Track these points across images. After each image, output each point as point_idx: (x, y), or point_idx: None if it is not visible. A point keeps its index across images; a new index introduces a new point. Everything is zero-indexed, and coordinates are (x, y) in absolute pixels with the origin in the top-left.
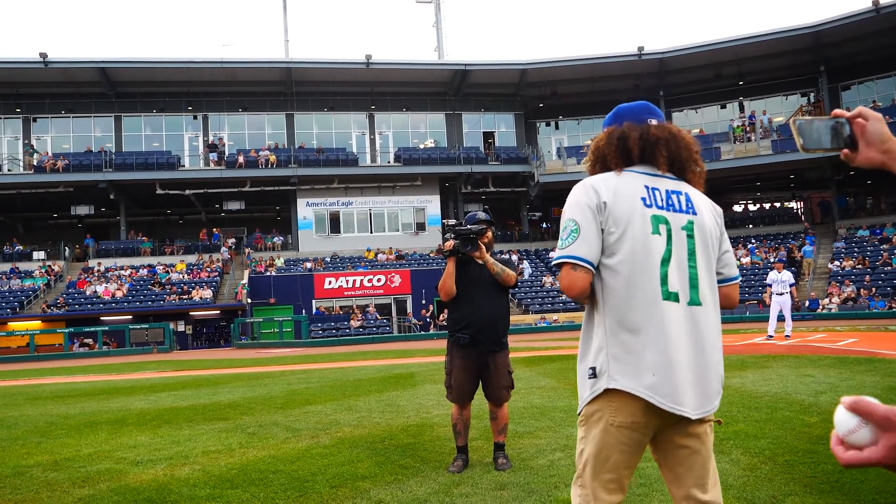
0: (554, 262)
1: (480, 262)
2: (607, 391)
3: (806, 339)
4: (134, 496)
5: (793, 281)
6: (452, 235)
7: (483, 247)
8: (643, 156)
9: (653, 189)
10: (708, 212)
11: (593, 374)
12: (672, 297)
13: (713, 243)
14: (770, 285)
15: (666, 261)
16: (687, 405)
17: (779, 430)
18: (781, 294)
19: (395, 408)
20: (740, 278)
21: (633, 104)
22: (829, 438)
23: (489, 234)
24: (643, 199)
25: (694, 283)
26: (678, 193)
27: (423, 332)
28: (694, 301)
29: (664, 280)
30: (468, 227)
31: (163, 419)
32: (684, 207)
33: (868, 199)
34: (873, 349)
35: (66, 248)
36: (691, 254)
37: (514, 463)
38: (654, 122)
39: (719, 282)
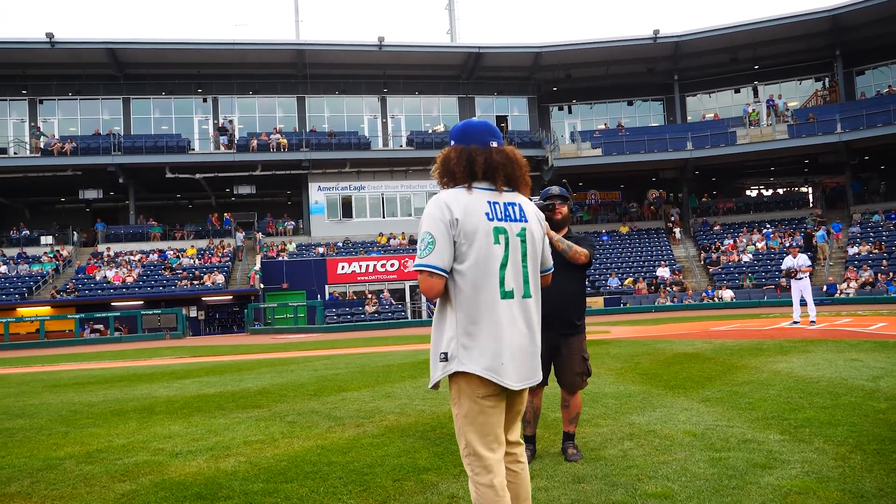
0: (413, 269)
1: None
2: (457, 372)
3: (833, 324)
4: (181, 491)
5: (809, 263)
6: None
7: (546, 224)
8: (485, 175)
9: (494, 203)
10: (535, 219)
11: (445, 359)
12: (508, 294)
13: (538, 245)
14: (787, 268)
15: (504, 265)
16: (512, 380)
17: (852, 417)
18: (801, 279)
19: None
20: (553, 269)
21: (479, 124)
22: None
23: (564, 209)
24: (487, 213)
25: (526, 280)
26: (513, 205)
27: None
28: (526, 294)
29: (502, 282)
30: None
31: (193, 407)
32: (518, 217)
33: (882, 183)
34: None
35: (75, 232)
36: (524, 256)
37: (583, 453)
38: (494, 144)
39: (541, 272)
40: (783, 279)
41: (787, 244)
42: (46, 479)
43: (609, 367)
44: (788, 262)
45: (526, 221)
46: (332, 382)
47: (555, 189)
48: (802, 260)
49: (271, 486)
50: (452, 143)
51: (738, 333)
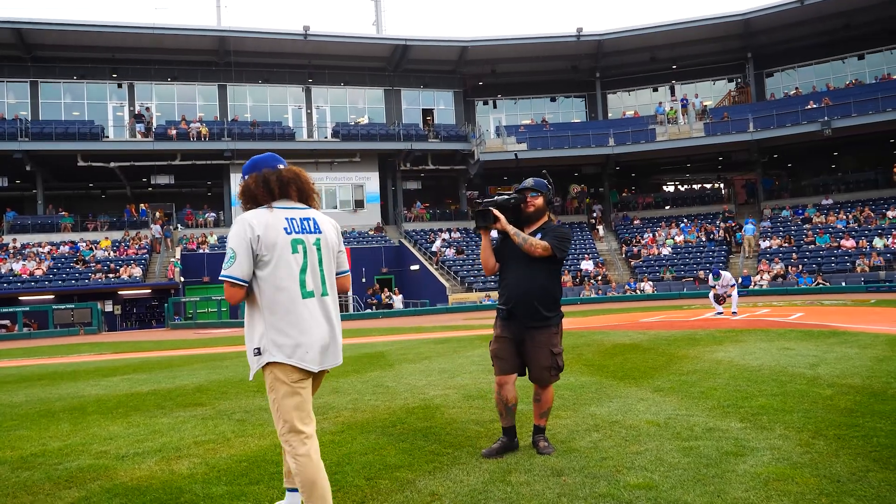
0: (220, 279)
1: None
2: (270, 363)
3: (754, 315)
4: (137, 497)
5: (734, 281)
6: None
7: (501, 217)
8: (281, 192)
9: (291, 219)
10: (330, 229)
11: (258, 353)
12: (309, 294)
13: (334, 251)
14: (714, 286)
15: (303, 270)
16: (315, 365)
17: (803, 404)
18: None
19: (384, 389)
20: (349, 272)
21: (265, 155)
22: (857, 411)
23: (537, 201)
24: (285, 228)
25: (323, 282)
26: (308, 219)
27: (369, 311)
28: (324, 293)
29: (303, 284)
30: (492, 198)
31: (128, 406)
32: (313, 229)
33: (789, 180)
34: (825, 322)
35: None
36: (320, 262)
37: (553, 445)
38: (281, 166)
39: (336, 273)
40: (712, 299)
41: (704, 238)
42: None
43: None
44: (712, 281)
45: (320, 233)
46: None
47: (529, 181)
48: (727, 279)
49: (236, 489)
50: (246, 177)
51: (667, 324)
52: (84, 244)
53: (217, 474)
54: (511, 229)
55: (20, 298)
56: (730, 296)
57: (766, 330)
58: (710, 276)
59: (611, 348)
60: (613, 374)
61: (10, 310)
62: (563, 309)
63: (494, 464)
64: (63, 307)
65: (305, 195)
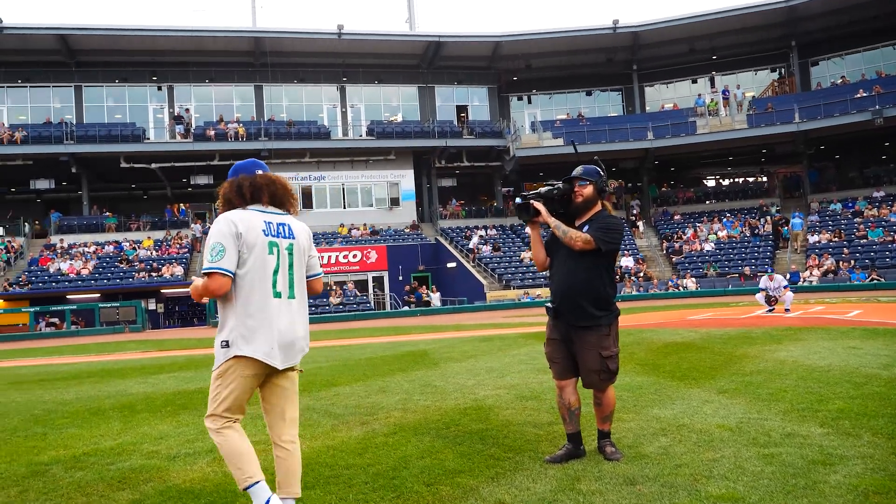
0: (204, 271)
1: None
2: (236, 356)
3: (808, 312)
4: (192, 500)
5: (786, 283)
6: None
7: (542, 210)
8: (253, 197)
9: (268, 222)
10: (302, 235)
11: (226, 345)
12: (278, 295)
13: (304, 256)
14: (764, 289)
15: (276, 272)
16: (277, 361)
17: (886, 408)
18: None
19: (433, 388)
20: (323, 273)
21: (246, 162)
22: None
23: (585, 191)
24: (263, 230)
25: (291, 285)
26: (283, 225)
27: (406, 309)
28: (291, 296)
29: (274, 285)
30: (535, 191)
31: (176, 404)
32: (287, 234)
33: (835, 172)
34: (888, 320)
35: (26, 223)
36: (290, 266)
37: (619, 449)
38: (260, 172)
39: (308, 277)
40: (762, 300)
41: (748, 233)
42: (35, 487)
43: None
44: (765, 282)
45: (293, 238)
46: (318, 377)
47: (578, 169)
48: (779, 282)
49: None
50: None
51: (718, 322)
52: (127, 244)
53: (271, 477)
54: (553, 222)
55: (68, 297)
56: (782, 297)
57: (826, 328)
58: (763, 278)
59: (663, 347)
60: (671, 374)
61: (59, 308)
62: None
63: (560, 470)
64: (108, 305)
65: (279, 200)
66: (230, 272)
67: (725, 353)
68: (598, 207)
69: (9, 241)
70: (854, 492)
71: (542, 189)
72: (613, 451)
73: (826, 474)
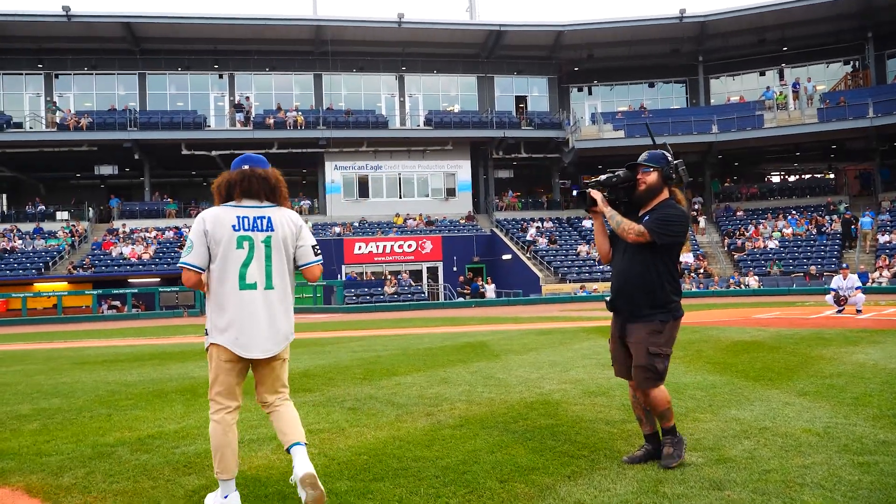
0: (178, 265)
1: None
2: (213, 343)
3: (881, 314)
4: (259, 489)
5: (859, 283)
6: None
7: (598, 198)
8: (228, 194)
9: (242, 217)
10: (285, 226)
11: (206, 333)
12: (250, 286)
13: (287, 248)
14: (835, 290)
15: (245, 264)
16: (255, 351)
17: None
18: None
19: (496, 381)
20: (320, 260)
21: (237, 158)
22: None
23: (649, 177)
24: (234, 225)
25: (269, 276)
26: (262, 218)
27: (461, 300)
28: (268, 287)
29: (242, 277)
30: (596, 179)
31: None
32: (264, 227)
33: None
34: None
35: (90, 208)
36: (267, 257)
37: (702, 452)
38: (246, 167)
39: (301, 266)
40: (831, 301)
41: (815, 231)
42: (101, 469)
43: (672, 354)
44: (837, 281)
45: (272, 231)
46: (377, 365)
47: (643, 156)
48: (852, 282)
49: (360, 486)
50: None
51: (785, 322)
52: (187, 230)
53: (339, 468)
54: (608, 212)
55: (129, 281)
56: (853, 297)
57: None
58: (835, 277)
59: (731, 345)
60: (744, 374)
61: (121, 291)
62: None
63: (640, 471)
64: (168, 290)
65: (256, 193)
66: (196, 266)
67: (800, 353)
68: (664, 196)
69: (73, 226)
70: None
71: (603, 177)
72: (670, 452)
73: None
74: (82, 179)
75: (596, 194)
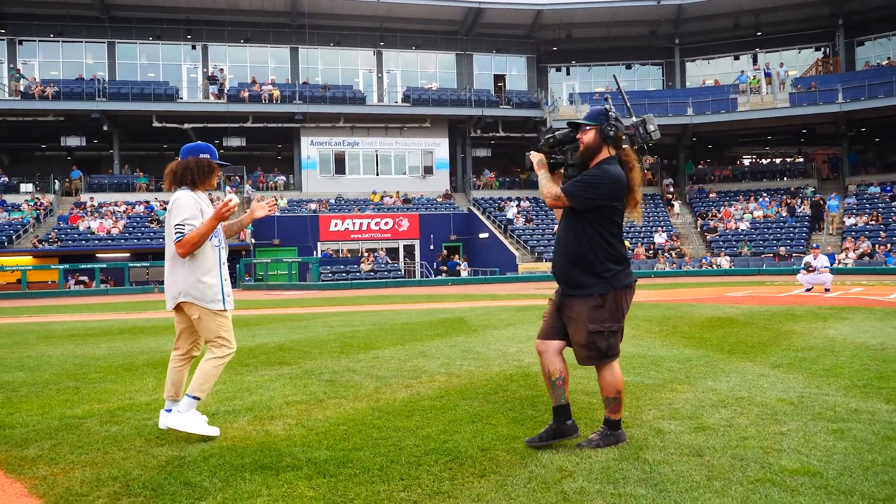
0: (176, 240)
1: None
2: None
3: (848, 293)
4: (235, 458)
5: (828, 264)
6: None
7: (534, 160)
8: (182, 181)
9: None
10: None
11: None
12: (165, 257)
13: (168, 226)
14: (805, 268)
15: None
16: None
17: None
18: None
19: (475, 354)
20: (176, 237)
21: (190, 146)
22: None
23: (586, 137)
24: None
25: (167, 248)
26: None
27: (438, 278)
28: (166, 257)
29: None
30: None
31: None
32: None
33: (875, 155)
34: None
35: (56, 180)
36: (167, 234)
37: (681, 421)
38: (192, 158)
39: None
40: (802, 279)
41: (785, 213)
42: (69, 440)
43: (648, 329)
44: (809, 260)
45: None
46: (355, 339)
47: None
48: (822, 261)
49: (341, 455)
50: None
51: (757, 299)
52: (158, 204)
53: (317, 437)
54: (540, 174)
55: (97, 256)
56: (822, 276)
57: (871, 308)
58: (807, 257)
59: (705, 321)
60: (719, 347)
61: (88, 266)
62: (640, 281)
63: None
64: (138, 265)
65: (188, 182)
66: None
67: (772, 328)
68: (603, 156)
69: (38, 199)
70: None
71: (559, 133)
72: (594, 438)
73: None
74: (48, 151)
75: (534, 156)
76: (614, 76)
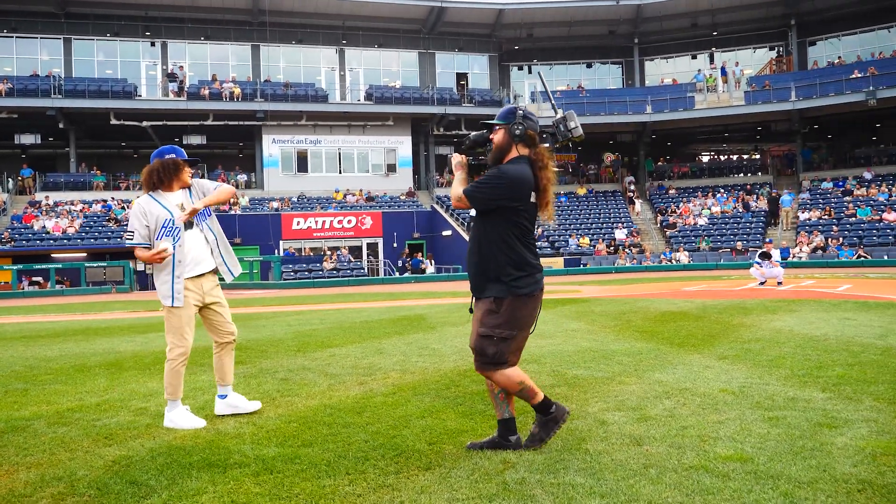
0: (129, 246)
1: None
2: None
3: (800, 286)
4: (183, 457)
5: (779, 258)
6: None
7: (452, 161)
8: (150, 184)
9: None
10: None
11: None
12: None
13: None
14: (758, 263)
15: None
16: None
17: (884, 375)
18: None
19: (431, 351)
20: (126, 244)
21: (158, 150)
22: None
23: (496, 136)
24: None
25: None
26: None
27: (401, 276)
28: None
29: None
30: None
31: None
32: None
33: (828, 152)
34: (876, 294)
35: (10, 179)
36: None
37: (625, 412)
38: (157, 160)
39: None
40: (754, 273)
41: (741, 209)
42: (14, 443)
43: (603, 324)
44: (761, 258)
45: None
46: (312, 338)
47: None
48: (775, 256)
49: (289, 451)
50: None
51: (712, 294)
52: (116, 203)
53: (267, 435)
54: (457, 175)
55: (52, 256)
56: (773, 270)
57: (819, 300)
58: (760, 251)
59: (659, 316)
60: (669, 340)
61: (43, 266)
62: (600, 277)
63: (565, 430)
64: (95, 265)
65: (148, 184)
66: (145, 245)
67: (722, 321)
68: (513, 155)
69: None
70: (861, 453)
71: (474, 133)
72: (535, 432)
73: (832, 436)
74: (1, 149)
75: (455, 157)
76: (539, 73)
